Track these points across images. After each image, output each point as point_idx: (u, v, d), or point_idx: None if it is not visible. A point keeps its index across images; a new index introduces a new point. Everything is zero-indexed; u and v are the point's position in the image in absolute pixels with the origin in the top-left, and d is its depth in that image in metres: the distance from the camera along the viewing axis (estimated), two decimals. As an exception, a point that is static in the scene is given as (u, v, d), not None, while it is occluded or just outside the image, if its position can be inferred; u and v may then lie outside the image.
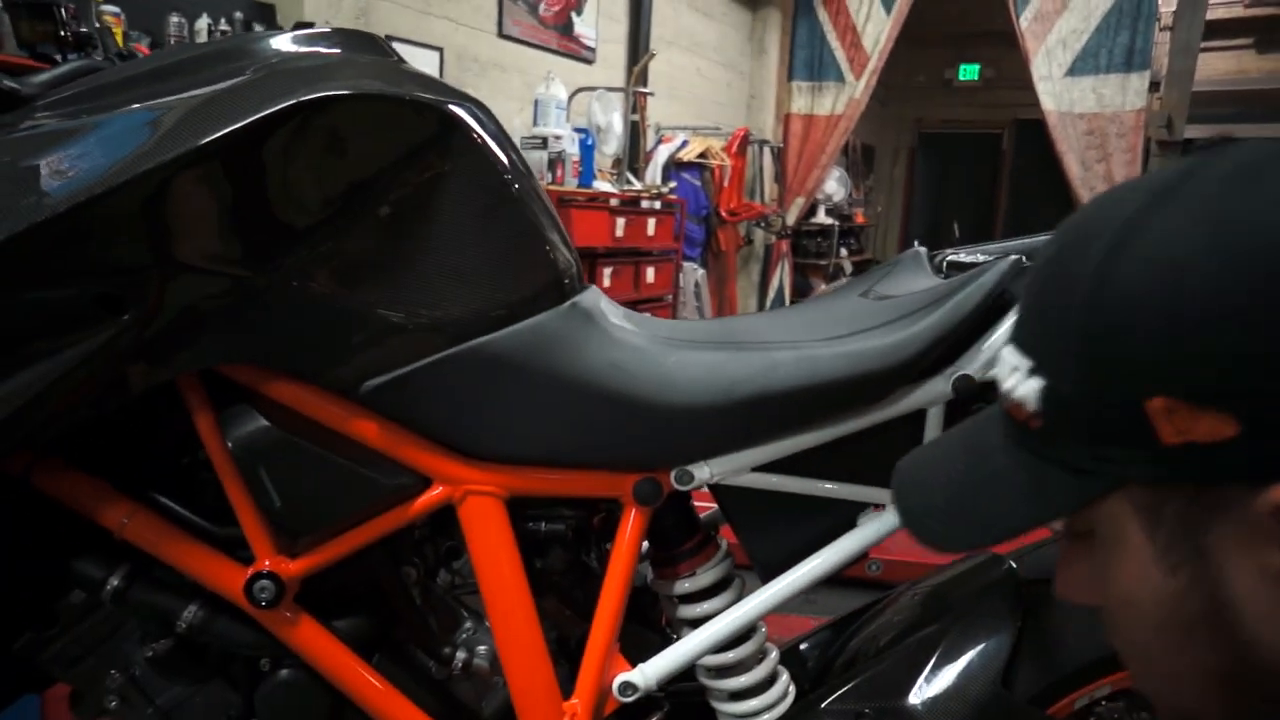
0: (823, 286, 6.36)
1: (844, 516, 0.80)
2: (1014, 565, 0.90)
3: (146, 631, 0.74)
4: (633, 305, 3.99)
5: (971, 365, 0.74)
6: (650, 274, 4.07)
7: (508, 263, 0.70)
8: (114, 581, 0.70)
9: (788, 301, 5.79)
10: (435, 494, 0.73)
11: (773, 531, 0.80)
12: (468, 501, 0.73)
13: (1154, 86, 4.98)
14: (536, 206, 0.72)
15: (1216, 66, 6.33)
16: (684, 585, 0.82)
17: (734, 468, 0.75)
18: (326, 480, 0.70)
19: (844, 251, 6.81)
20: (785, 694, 0.85)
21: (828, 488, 0.78)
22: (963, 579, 0.92)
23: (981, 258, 0.83)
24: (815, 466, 0.78)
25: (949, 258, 0.88)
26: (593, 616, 0.77)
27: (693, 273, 4.65)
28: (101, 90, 0.66)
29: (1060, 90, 4.81)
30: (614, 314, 0.77)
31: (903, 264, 0.92)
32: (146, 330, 0.61)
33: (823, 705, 0.83)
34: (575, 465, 0.75)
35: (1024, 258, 0.76)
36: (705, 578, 0.82)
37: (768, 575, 0.79)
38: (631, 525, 0.76)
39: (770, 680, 0.84)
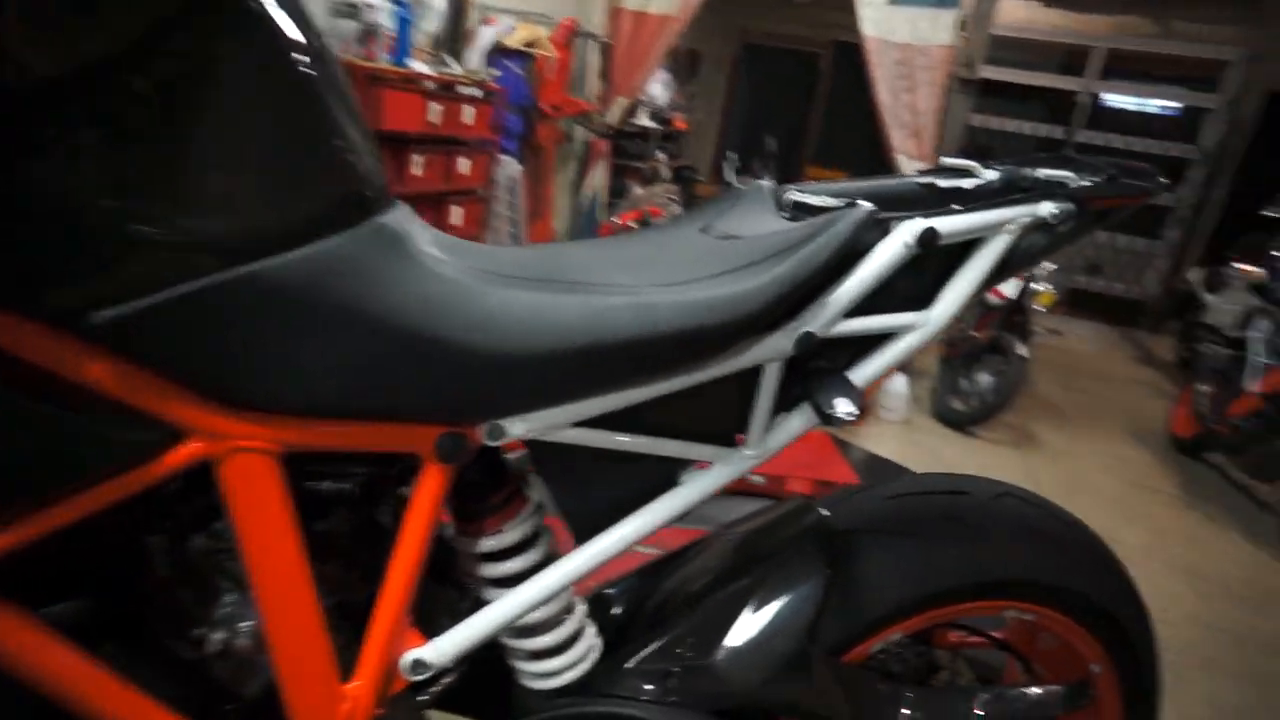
0: (638, 190, 6.32)
1: (666, 474, 0.74)
2: (825, 513, 0.90)
3: None
4: (443, 197, 3.75)
5: (815, 322, 0.69)
6: (464, 165, 3.82)
7: (292, 169, 0.56)
8: None
9: (603, 202, 5.68)
10: (188, 451, 0.59)
11: (591, 490, 0.73)
12: (231, 459, 0.60)
13: (963, 25, 5.23)
14: (333, 99, 0.57)
15: (1015, 15, 6.76)
16: (489, 543, 0.74)
17: (554, 423, 0.67)
18: (36, 437, 0.54)
19: (662, 156, 6.77)
20: (589, 651, 0.81)
21: (652, 444, 0.72)
22: (775, 526, 0.91)
23: (830, 201, 0.78)
24: (639, 421, 0.71)
25: (794, 196, 0.82)
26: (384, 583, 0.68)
27: (509, 166, 4.42)
28: None
29: (881, 17, 4.94)
30: (425, 239, 0.65)
31: (746, 199, 0.85)
32: None
33: (628, 665, 0.79)
34: (368, 416, 0.64)
35: (876, 207, 0.71)
36: (512, 535, 0.75)
37: (583, 535, 0.73)
38: (431, 485, 0.66)
39: (574, 638, 0.79)
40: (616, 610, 0.92)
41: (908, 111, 5.49)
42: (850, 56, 6.35)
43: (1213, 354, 4.69)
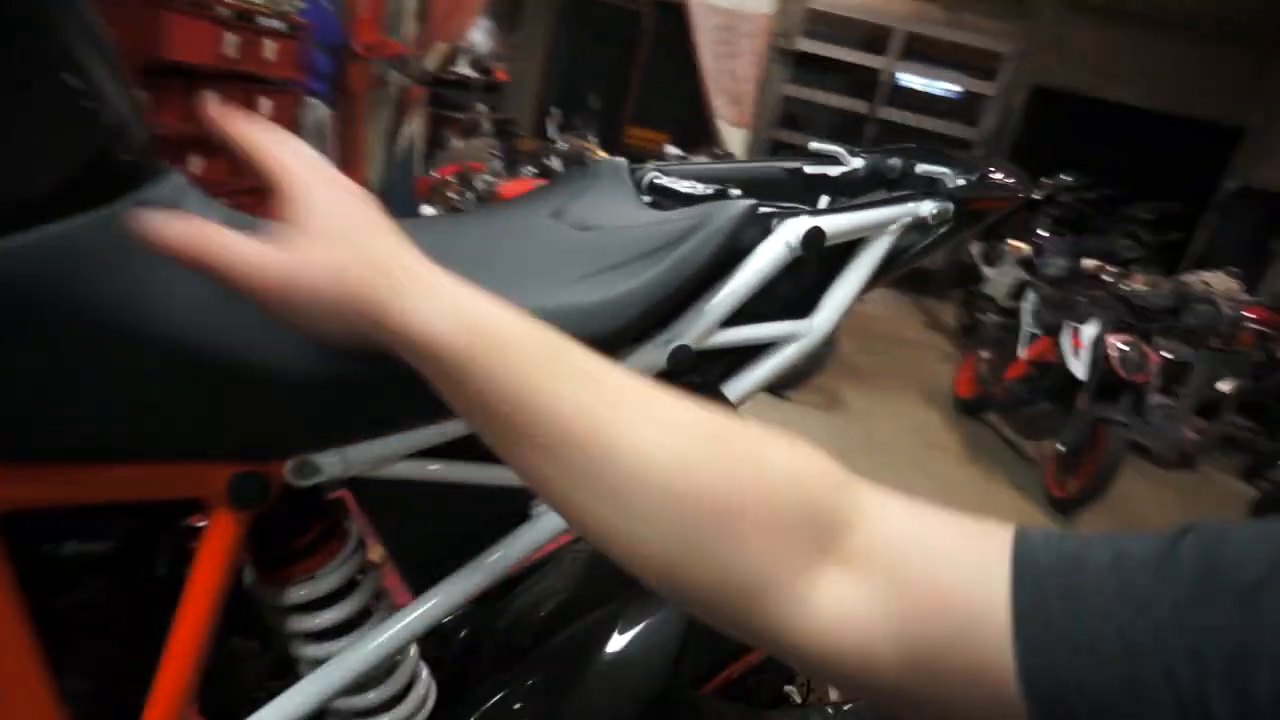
0: (457, 143, 5.99)
1: (514, 506, 0.64)
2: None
3: None
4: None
5: (690, 333, 0.61)
6: (265, 107, 3.41)
7: (11, 128, 0.40)
8: None
9: (421, 153, 5.33)
10: None
11: (429, 531, 0.62)
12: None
13: (781, -3, 5.34)
14: (74, 31, 0.41)
15: (829, -10, 7.00)
16: (300, 593, 0.61)
17: (380, 457, 0.54)
18: None
19: (483, 108, 6.45)
20: (423, 702, 0.70)
21: (499, 473, 0.61)
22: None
23: (699, 187, 0.70)
24: (481, 447, 0.60)
25: (656, 179, 0.73)
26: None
27: (316, 110, 4.01)
28: None
29: (706, -19, 4.93)
30: (207, 219, 0.49)
31: (600, 179, 0.75)
32: None
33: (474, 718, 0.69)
34: (127, 458, 0.48)
35: (754, 200, 0.64)
36: (328, 580, 0.62)
37: (421, 584, 0.61)
38: (221, 537, 0.52)
39: (405, 690, 0.68)
40: (453, 643, 0.81)
41: (729, 77, 5.56)
42: (672, 16, 6.32)
43: (990, 322, 5.17)
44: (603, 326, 0.55)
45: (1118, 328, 3.85)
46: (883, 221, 0.67)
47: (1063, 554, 0.34)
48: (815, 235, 0.62)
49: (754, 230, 0.62)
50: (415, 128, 5.18)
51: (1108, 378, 3.71)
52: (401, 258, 0.40)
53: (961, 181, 0.71)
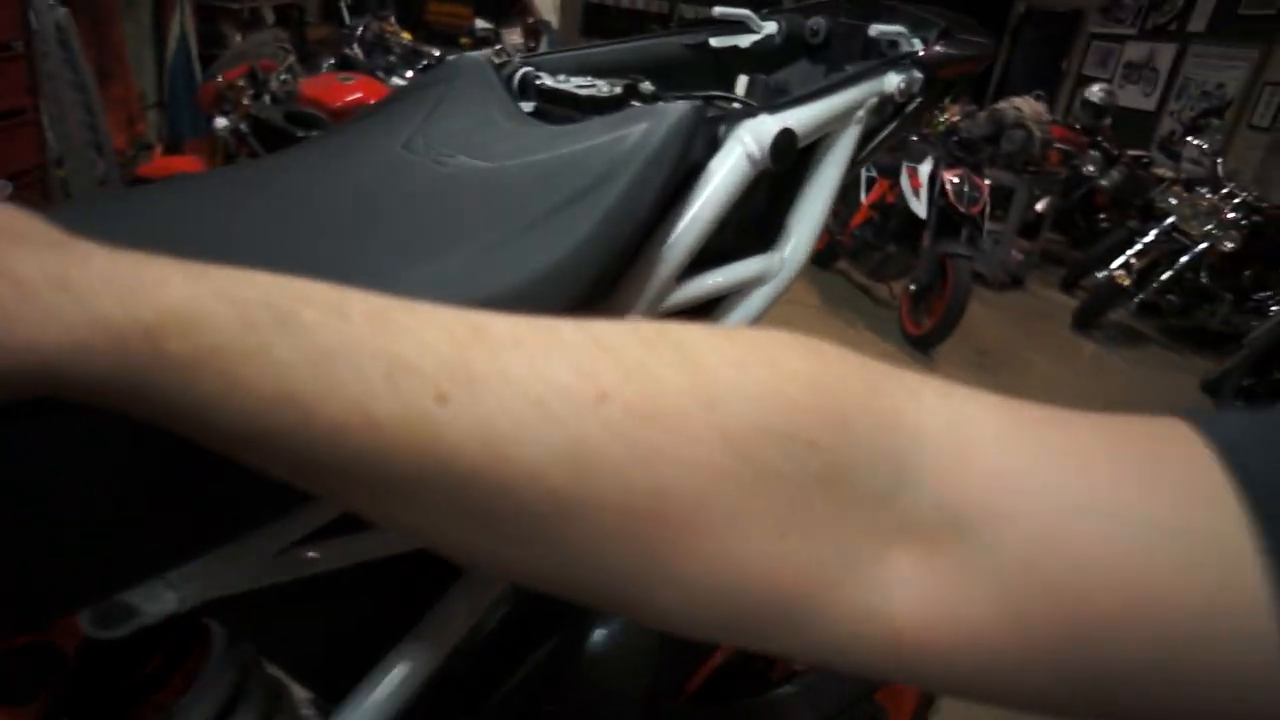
0: (238, 39, 5.22)
1: (440, 561, 0.47)
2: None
3: None
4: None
5: (641, 297, 0.44)
6: (-26, 10, 2.75)
7: None
8: None
9: (195, 57, 4.59)
10: None
11: (332, 629, 0.44)
12: None
13: None
14: None
15: None
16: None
17: (232, 571, 0.36)
18: None
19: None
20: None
21: (396, 539, 0.44)
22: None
23: (602, 86, 0.52)
24: None
25: (529, 75, 0.55)
26: None
27: (50, 11, 3.28)
28: None
29: None
30: None
31: (458, 86, 0.55)
32: None
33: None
34: None
35: (695, 99, 0.47)
36: (200, 709, 0.44)
37: (338, 690, 0.44)
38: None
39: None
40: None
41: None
42: None
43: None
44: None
45: (950, 163, 3.95)
46: (849, 107, 0.52)
47: None
48: (785, 140, 0.46)
49: (698, 141, 0.45)
50: (183, 24, 4.43)
51: (946, 212, 3.83)
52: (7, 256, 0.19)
53: (919, 44, 0.57)
